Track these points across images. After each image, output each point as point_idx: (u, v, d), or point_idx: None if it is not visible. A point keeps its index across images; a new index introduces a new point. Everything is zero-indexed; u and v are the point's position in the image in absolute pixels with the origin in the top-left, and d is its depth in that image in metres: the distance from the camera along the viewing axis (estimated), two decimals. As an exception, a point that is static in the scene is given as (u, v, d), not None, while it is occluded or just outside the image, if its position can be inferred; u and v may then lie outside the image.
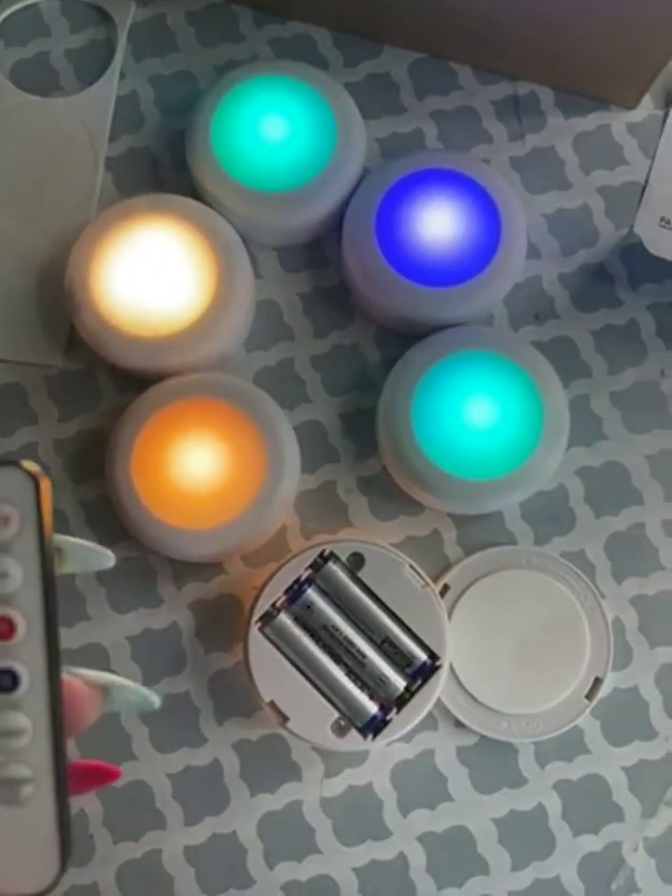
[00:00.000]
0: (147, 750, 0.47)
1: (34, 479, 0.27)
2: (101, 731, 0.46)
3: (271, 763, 0.47)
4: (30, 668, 0.27)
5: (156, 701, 0.32)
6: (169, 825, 0.47)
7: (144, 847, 0.47)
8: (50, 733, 0.27)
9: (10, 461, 0.27)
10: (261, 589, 0.44)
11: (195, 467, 0.46)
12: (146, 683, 0.47)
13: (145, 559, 0.48)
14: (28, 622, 0.27)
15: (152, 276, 0.47)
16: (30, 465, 0.27)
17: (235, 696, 0.47)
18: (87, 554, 0.31)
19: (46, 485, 0.27)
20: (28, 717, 0.27)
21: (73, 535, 0.47)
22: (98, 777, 0.31)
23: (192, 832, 0.47)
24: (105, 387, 0.50)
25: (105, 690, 0.30)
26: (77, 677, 0.29)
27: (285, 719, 0.43)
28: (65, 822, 0.27)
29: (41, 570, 0.27)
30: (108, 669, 0.47)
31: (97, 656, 0.48)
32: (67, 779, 0.27)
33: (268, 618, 0.44)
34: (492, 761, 0.47)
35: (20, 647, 0.27)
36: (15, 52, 0.53)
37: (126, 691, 0.31)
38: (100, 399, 0.50)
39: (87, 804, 0.47)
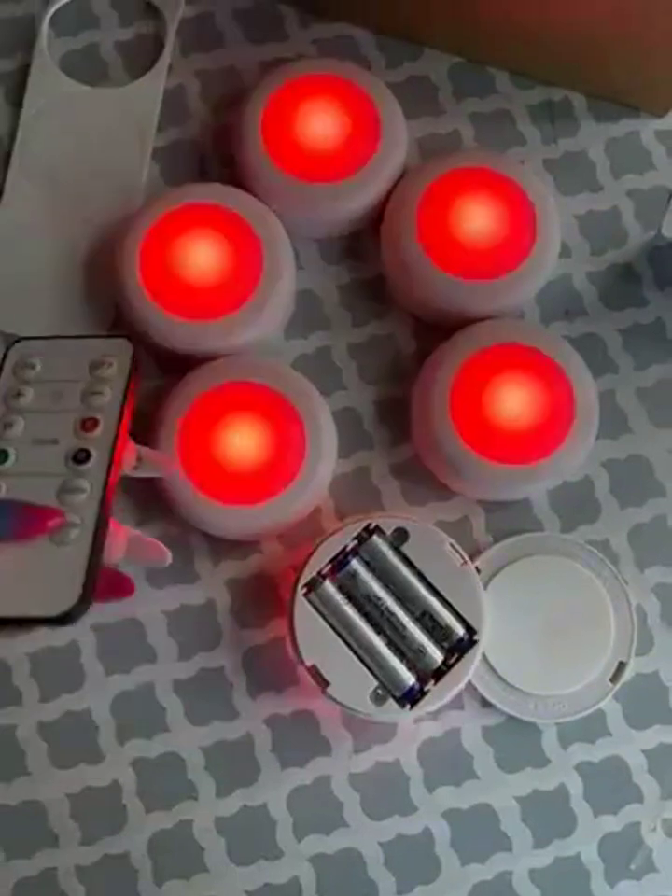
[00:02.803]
0: (180, 723, 0.48)
1: (133, 346, 0.44)
2: (136, 703, 0.48)
3: (301, 737, 0.48)
4: (98, 453, 0.42)
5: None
6: (201, 796, 0.47)
7: (175, 816, 0.47)
8: (100, 500, 0.40)
9: (119, 334, 0.46)
10: (308, 558, 0.45)
11: (236, 447, 0.47)
12: (181, 657, 0.49)
13: (183, 537, 0.49)
14: (105, 425, 0.42)
15: (198, 262, 0.48)
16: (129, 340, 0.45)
17: (268, 672, 0.48)
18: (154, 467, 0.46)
19: (138, 355, 0.44)
20: (88, 482, 0.41)
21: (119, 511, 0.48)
22: (116, 585, 0.44)
23: (223, 803, 0.47)
24: (148, 368, 0.51)
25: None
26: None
27: (326, 683, 0.44)
28: (92, 572, 0.39)
29: (123, 397, 0.43)
30: (145, 643, 0.49)
31: (134, 629, 0.49)
32: (103, 543, 0.40)
33: (313, 585, 0.45)
34: (516, 741, 0.48)
35: (95, 439, 0.42)
36: (66, 42, 0.55)
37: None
38: (143, 379, 0.51)
39: (120, 774, 0.48)
